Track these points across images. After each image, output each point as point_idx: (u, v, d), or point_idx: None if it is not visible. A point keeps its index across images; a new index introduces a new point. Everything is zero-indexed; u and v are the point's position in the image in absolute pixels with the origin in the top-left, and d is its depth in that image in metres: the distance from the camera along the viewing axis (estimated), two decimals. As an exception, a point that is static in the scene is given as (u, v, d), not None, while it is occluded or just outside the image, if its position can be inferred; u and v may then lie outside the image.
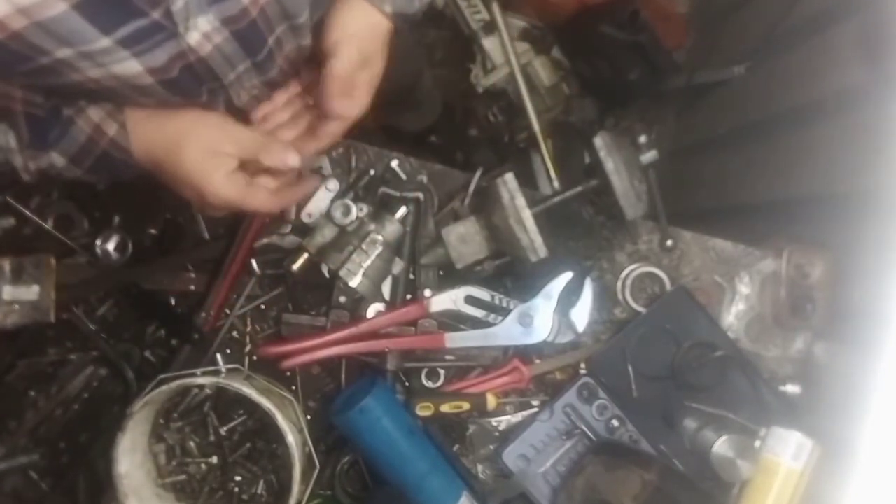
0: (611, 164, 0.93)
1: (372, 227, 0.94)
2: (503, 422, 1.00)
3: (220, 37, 0.71)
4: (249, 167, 0.80)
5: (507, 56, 1.65)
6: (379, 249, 0.93)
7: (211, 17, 0.68)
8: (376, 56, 0.81)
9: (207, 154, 0.77)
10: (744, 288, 1.02)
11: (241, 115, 0.86)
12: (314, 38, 0.82)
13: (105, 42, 0.63)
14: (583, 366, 1.00)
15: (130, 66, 0.67)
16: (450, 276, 1.00)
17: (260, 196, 0.80)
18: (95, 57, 0.64)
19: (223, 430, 0.98)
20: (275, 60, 0.80)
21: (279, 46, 0.79)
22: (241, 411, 0.99)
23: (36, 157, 0.77)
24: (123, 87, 0.70)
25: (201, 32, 0.69)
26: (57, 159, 0.78)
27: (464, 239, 0.96)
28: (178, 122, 0.78)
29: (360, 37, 0.79)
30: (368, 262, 0.93)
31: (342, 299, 0.98)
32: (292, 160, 0.79)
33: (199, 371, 0.90)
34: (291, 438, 0.88)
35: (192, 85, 0.75)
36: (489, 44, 1.68)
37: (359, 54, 0.79)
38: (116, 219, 1.00)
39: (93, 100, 0.77)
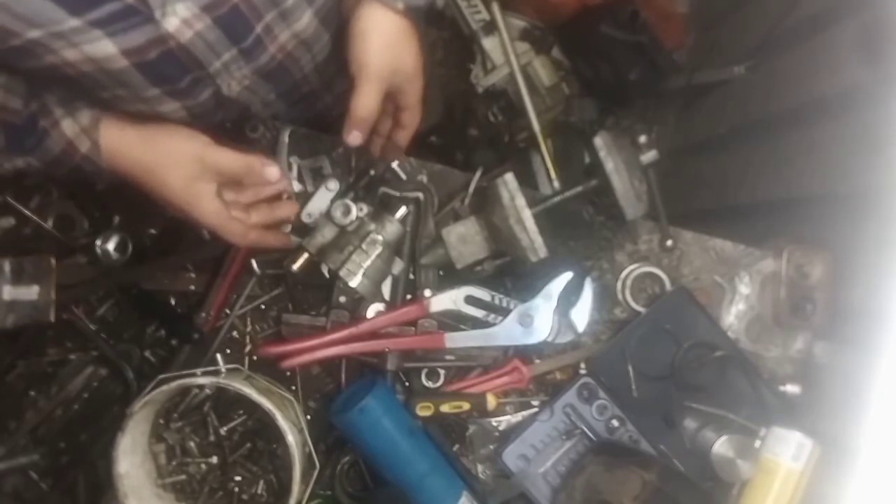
0: (611, 164, 0.93)
1: (372, 227, 0.94)
2: (503, 422, 1.00)
3: (202, 23, 0.70)
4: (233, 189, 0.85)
5: (507, 56, 1.65)
6: (379, 249, 0.93)
7: (190, 3, 0.68)
8: (403, 55, 0.80)
9: (190, 182, 0.80)
10: (744, 288, 1.02)
11: (232, 106, 0.86)
12: (340, 47, 0.82)
13: (75, 22, 0.63)
14: (583, 366, 1.00)
15: (104, 47, 0.67)
16: (450, 276, 1.00)
17: (236, 228, 0.83)
18: (68, 36, 0.64)
19: (223, 430, 0.98)
20: (265, 48, 0.79)
21: (269, 34, 0.78)
22: (241, 411, 0.99)
23: (12, 160, 0.78)
24: (100, 74, 0.70)
25: (180, 18, 0.68)
26: (34, 162, 0.79)
27: (464, 239, 0.96)
28: (157, 151, 0.79)
29: (379, 48, 0.78)
30: (368, 262, 0.93)
31: (342, 299, 0.98)
32: (272, 173, 0.83)
33: (199, 371, 0.90)
34: (291, 438, 0.88)
35: (173, 72, 0.74)
36: (489, 44, 1.68)
37: (379, 82, 0.79)
38: (116, 219, 1.00)
39: (71, 94, 0.77)
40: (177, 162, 0.79)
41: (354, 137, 0.81)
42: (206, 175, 0.80)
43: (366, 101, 0.79)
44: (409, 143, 0.89)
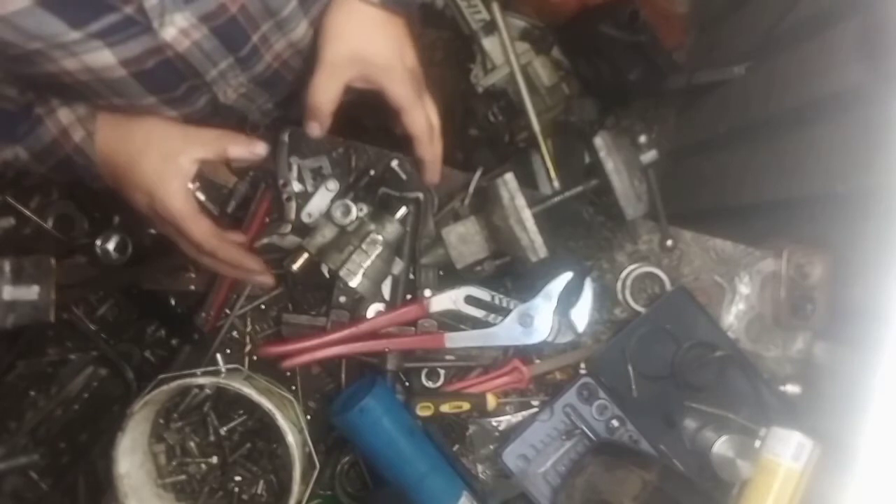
0: (611, 164, 0.93)
1: (372, 227, 0.94)
2: (503, 422, 1.00)
3: (199, 33, 0.70)
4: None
5: (507, 56, 1.65)
6: (379, 249, 0.93)
7: (188, 13, 0.68)
8: (373, 43, 0.78)
9: (168, 159, 0.77)
10: (744, 288, 1.02)
11: (229, 114, 0.86)
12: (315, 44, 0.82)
13: (75, 34, 0.63)
14: (583, 366, 1.00)
15: (103, 57, 0.67)
16: (450, 276, 1.00)
17: (202, 224, 0.79)
18: (68, 47, 0.65)
19: (223, 430, 0.98)
20: (261, 57, 0.79)
21: (265, 43, 0.78)
22: (241, 411, 0.99)
23: (1, 149, 0.78)
24: (97, 83, 0.70)
25: (178, 28, 0.68)
26: (21, 153, 0.78)
27: (464, 239, 0.96)
28: (143, 128, 0.78)
29: (336, 35, 0.77)
30: (368, 262, 0.93)
31: (342, 299, 0.98)
32: (260, 149, 0.80)
33: (199, 371, 0.90)
34: (291, 438, 0.88)
35: (169, 80, 0.74)
36: (489, 44, 1.68)
37: (332, 67, 0.77)
38: (116, 219, 1.00)
39: (68, 99, 0.77)
40: (161, 136, 0.78)
41: (312, 128, 0.80)
42: (188, 149, 0.78)
43: (317, 88, 0.77)
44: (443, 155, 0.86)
